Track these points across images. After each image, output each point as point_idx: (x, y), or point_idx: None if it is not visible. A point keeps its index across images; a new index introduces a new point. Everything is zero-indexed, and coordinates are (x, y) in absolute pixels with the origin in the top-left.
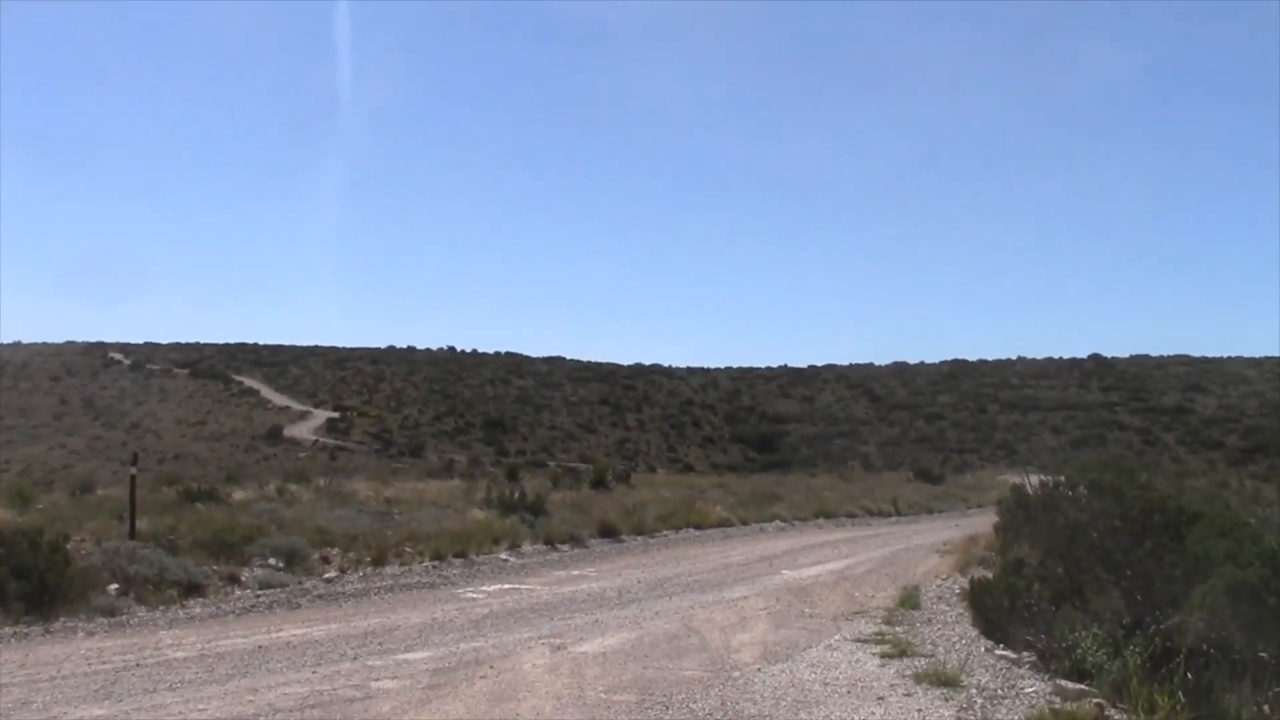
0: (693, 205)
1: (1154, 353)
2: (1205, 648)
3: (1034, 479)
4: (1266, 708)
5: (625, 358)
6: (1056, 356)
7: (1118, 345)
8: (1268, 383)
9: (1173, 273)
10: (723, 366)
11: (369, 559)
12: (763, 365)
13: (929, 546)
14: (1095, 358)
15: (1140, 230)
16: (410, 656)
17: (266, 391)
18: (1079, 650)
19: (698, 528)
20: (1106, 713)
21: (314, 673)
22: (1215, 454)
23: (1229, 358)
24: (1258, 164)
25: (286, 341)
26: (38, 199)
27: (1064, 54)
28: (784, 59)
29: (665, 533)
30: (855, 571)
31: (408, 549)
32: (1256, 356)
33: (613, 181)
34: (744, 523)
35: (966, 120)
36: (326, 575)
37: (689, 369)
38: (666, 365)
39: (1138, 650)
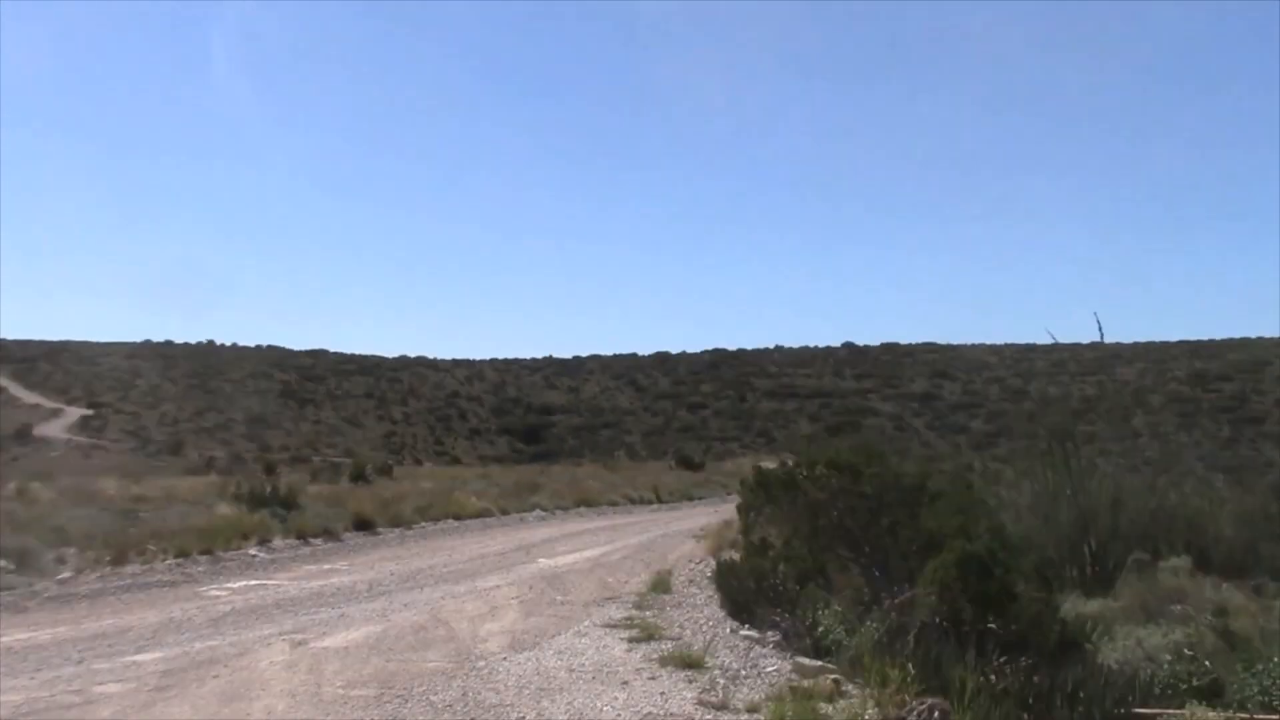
0: (460, 192)
1: (903, 340)
2: (939, 620)
3: (789, 462)
4: (992, 676)
5: (390, 350)
6: (812, 345)
7: (869, 334)
8: (1007, 369)
9: (922, 263)
10: (488, 358)
11: (108, 558)
12: (528, 356)
13: (686, 532)
14: (848, 346)
15: (886, 223)
16: (140, 658)
17: (15, 389)
18: (820, 628)
19: (457, 518)
20: (843, 688)
21: (32, 679)
22: (961, 438)
23: (972, 345)
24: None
25: (36, 337)
26: None
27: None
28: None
29: (423, 524)
30: (611, 558)
31: (151, 547)
32: (997, 344)
33: (387, 163)
34: (504, 513)
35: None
36: (60, 576)
37: (454, 360)
38: (432, 357)
39: (875, 625)
